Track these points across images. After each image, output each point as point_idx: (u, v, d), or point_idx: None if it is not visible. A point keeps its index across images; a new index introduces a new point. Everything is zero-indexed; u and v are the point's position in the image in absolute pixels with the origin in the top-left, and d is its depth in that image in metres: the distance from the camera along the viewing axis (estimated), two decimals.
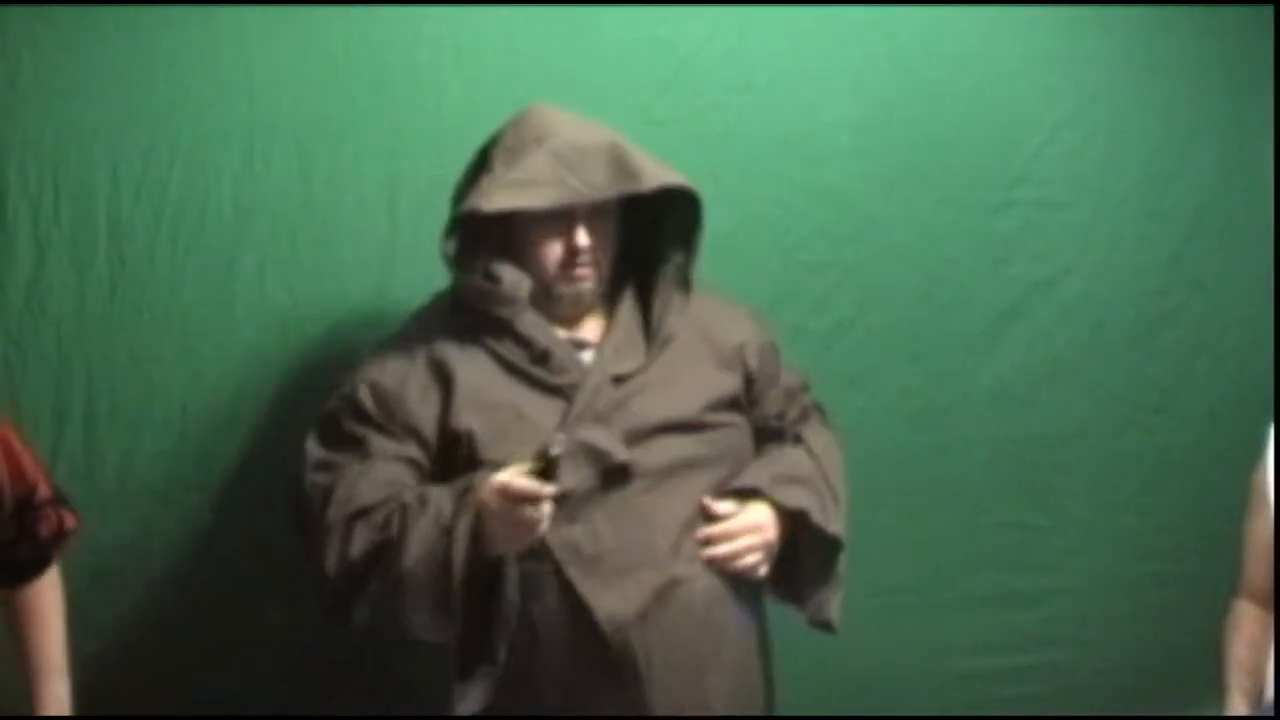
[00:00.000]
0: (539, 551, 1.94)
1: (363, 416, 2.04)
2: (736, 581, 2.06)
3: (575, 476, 1.94)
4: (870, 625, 2.74)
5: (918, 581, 2.78)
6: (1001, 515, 2.84)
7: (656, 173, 2.06)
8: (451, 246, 2.06)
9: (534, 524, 1.85)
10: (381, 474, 1.99)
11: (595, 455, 1.98)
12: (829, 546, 2.14)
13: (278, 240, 2.33)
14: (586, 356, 2.09)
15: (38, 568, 1.95)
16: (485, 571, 1.92)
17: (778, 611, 2.23)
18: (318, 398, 2.34)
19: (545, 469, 1.81)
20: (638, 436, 2.01)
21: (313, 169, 2.35)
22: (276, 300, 2.34)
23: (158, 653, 2.33)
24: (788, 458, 2.16)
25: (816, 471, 2.15)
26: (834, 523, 2.13)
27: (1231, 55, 2.90)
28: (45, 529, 1.94)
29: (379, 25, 2.38)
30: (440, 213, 2.39)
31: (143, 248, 2.28)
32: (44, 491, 1.95)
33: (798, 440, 2.20)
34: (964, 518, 2.82)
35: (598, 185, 2.03)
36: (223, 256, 2.32)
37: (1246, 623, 2.12)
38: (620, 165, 2.04)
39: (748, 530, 2.05)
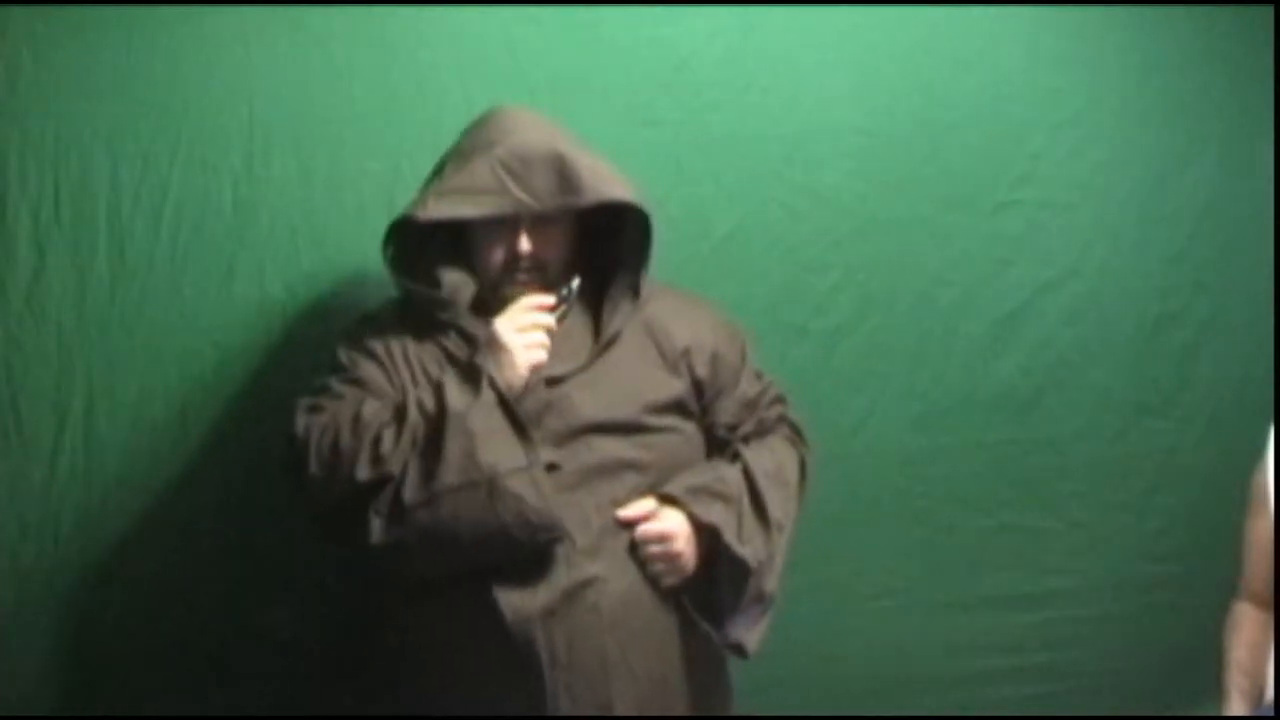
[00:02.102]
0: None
1: (349, 377, 2.06)
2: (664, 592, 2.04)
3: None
4: (873, 626, 2.76)
5: (921, 582, 2.78)
6: (1004, 517, 2.84)
7: (598, 186, 2.04)
8: (390, 251, 2.08)
9: (539, 344, 2.00)
10: (376, 404, 2.01)
11: None
12: (742, 570, 2.07)
13: (278, 240, 2.33)
14: None
15: None
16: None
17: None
18: None
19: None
20: (564, 437, 2.00)
21: (313, 169, 2.35)
22: (276, 300, 2.33)
23: (157, 653, 2.33)
24: (715, 472, 2.11)
25: (744, 491, 2.10)
26: (749, 545, 2.06)
27: (1232, 55, 2.90)
28: None
29: (379, 25, 2.38)
30: None
31: (143, 248, 2.27)
32: None
33: (736, 457, 2.14)
34: (966, 519, 2.81)
35: (539, 196, 2.02)
36: (223, 256, 2.31)
37: (1246, 624, 2.12)
38: (564, 176, 2.02)
39: (654, 538, 2.02)
